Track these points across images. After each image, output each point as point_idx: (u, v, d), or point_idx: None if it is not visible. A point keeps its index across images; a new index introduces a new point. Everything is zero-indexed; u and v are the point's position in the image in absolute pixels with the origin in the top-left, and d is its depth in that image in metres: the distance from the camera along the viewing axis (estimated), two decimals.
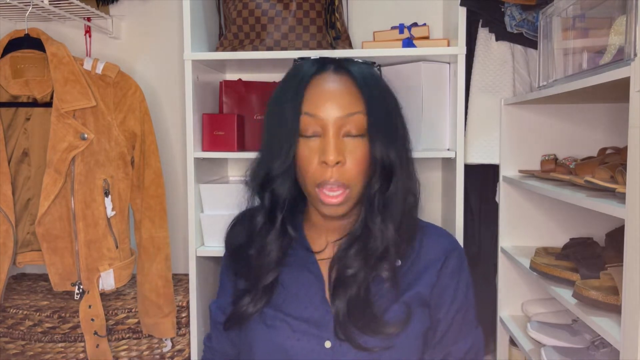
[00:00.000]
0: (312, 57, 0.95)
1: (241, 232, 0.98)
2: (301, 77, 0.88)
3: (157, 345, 1.57)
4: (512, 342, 1.51)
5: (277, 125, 0.89)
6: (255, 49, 1.49)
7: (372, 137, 0.86)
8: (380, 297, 0.89)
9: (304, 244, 0.96)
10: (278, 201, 0.91)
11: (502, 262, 1.53)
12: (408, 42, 1.51)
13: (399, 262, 0.91)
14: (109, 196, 1.49)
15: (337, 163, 0.84)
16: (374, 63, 0.96)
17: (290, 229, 0.93)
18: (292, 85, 0.89)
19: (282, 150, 0.87)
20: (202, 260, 1.54)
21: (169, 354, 1.58)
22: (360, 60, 0.94)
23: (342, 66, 0.90)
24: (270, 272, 0.92)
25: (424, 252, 0.93)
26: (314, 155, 0.85)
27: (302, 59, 0.95)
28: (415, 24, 1.58)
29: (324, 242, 0.95)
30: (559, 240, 1.45)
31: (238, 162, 1.80)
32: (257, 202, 0.96)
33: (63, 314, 1.53)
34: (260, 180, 0.91)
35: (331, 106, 0.85)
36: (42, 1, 1.49)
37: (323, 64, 0.90)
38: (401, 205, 0.90)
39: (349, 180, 0.85)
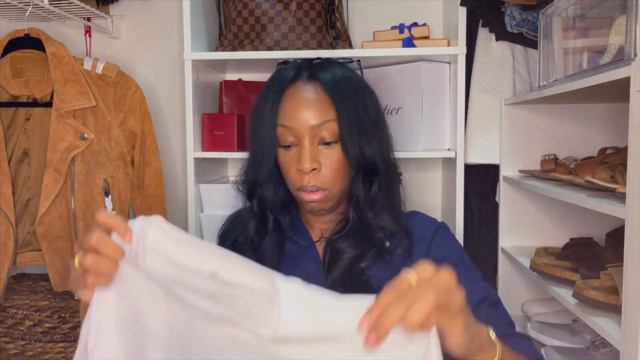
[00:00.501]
0: (292, 61, 1.00)
1: (235, 231, 1.01)
2: (277, 87, 0.93)
3: None
4: None
5: (258, 136, 0.94)
6: (255, 48, 1.48)
7: (343, 143, 0.90)
8: (374, 273, 0.91)
9: (302, 234, 0.98)
10: (266, 205, 0.96)
11: (502, 262, 1.53)
12: (408, 42, 1.51)
13: (388, 244, 0.94)
14: (109, 196, 1.49)
15: (313, 170, 0.88)
16: (351, 61, 1.01)
17: (285, 225, 0.97)
18: (269, 96, 0.93)
19: (264, 160, 0.93)
20: None
21: None
22: (340, 60, 0.99)
23: (314, 74, 0.94)
24: (268, 266, 0.94)
25: (412, 234, 0.96)
26: (292, 164, 0.90)
27: (284, 63, 0.99)
28: (415, 24, 1.58)
29: (319, 231, 0.99)
30: (559, 240, 1.45)
31: (238, 162, 1.79)
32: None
33: (63, 314, 1.53)
34: (249, 187, 0.97)
35: (304, 117, 0.89)
36: (42, 1, 1.49)
37: (298, 72, 0.94)
38: (385, 202, 0.93)
39: (325, 185, 0.90)
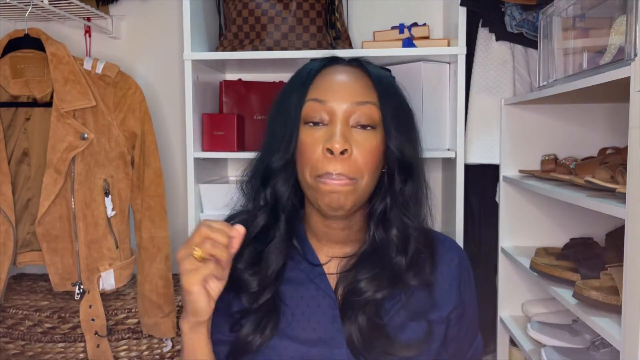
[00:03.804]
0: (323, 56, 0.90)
1: None
2: (310, 68, 0.84)
3: (157, 345, 1.57)
4: (512, 342, 1.51)
5: (280, 115, 0.83)
6: (255, 48, 1.48)
7: (387, 129, 0.80)
8: (395, 313, 0.82)
9: (308, 255, 0.85)
10: (280, 200, 0.83)
11: (502, 262, 1.53)
12: (408, 42, 1.51)
13: (415, 282, 0.82)
14: (109, 196, 1.49)
15: (343, 152, 0.76)
16: (385, 68, 0.93)
17: (294, 237, 0.85)
18: (300, 76, 0.83)
19: (284, 140, 0.80)
20: None
21: (168, 354, 1.58)
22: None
23: (352, 60, 0.86)
24: (270, 287, 0.82)
25: (439, 270, 0.85)
26: (318, 144, 0.77)
27: (314, 60, 0.90)
28: (415, 24, 1.58)
29: (326, 255, 0.86)
30: (559, 240, 1.45)
31: (238, 162, 1.80)
32: (250, 205, 0.88)
33: (63, 314, 1.53)
34: (261, 177, 0.84)
35: (341, 93, 0.79)
36: (42, 1, 1.49)
37: (336, 59, 0.86)
38: (416, 211, 0.85)
39: (355, 173, 0.77)
